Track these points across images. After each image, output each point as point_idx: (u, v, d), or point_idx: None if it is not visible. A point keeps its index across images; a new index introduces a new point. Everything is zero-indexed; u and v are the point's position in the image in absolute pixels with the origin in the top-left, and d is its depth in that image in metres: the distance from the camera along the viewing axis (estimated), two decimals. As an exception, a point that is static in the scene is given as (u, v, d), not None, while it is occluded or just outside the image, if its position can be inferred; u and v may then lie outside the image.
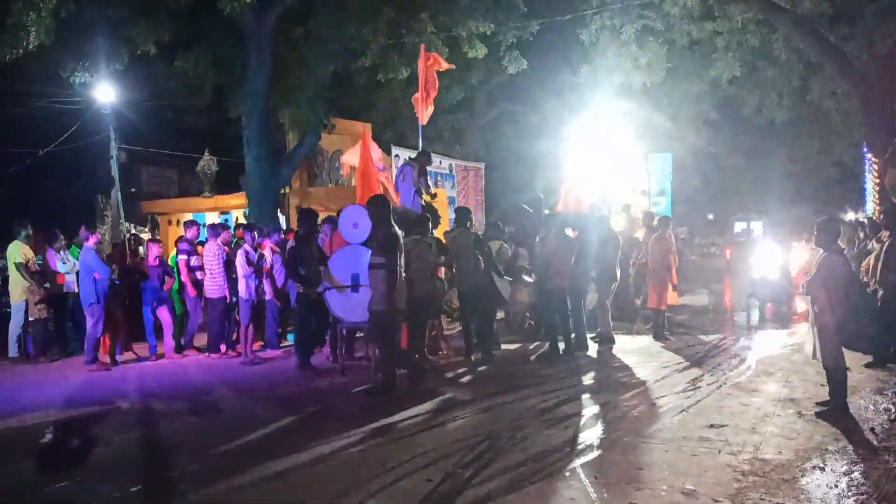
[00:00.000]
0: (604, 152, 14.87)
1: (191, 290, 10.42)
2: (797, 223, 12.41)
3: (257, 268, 9.91)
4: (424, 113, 11.21)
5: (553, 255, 9.51)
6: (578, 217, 10.36)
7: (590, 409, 6.70)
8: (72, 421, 7.00)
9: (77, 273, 10.08)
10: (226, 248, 10.38)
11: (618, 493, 4.57)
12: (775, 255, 12.29)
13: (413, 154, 11.72)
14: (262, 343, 10.67)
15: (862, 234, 10.69)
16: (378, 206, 7.68)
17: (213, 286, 10.07)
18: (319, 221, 9.92)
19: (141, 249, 12.47)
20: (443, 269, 10.14)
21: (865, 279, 8.84)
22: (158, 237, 15.98)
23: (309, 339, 9.37)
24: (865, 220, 12.24)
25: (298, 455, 5.47)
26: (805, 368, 8.01)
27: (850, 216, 20.21)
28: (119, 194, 14.80)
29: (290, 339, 11.14)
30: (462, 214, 9.94)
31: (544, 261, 9.62)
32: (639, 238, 12.33)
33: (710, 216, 24.20)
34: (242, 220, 15.03)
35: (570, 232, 10.15)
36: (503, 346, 10.13)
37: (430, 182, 10.84)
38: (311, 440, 5.83)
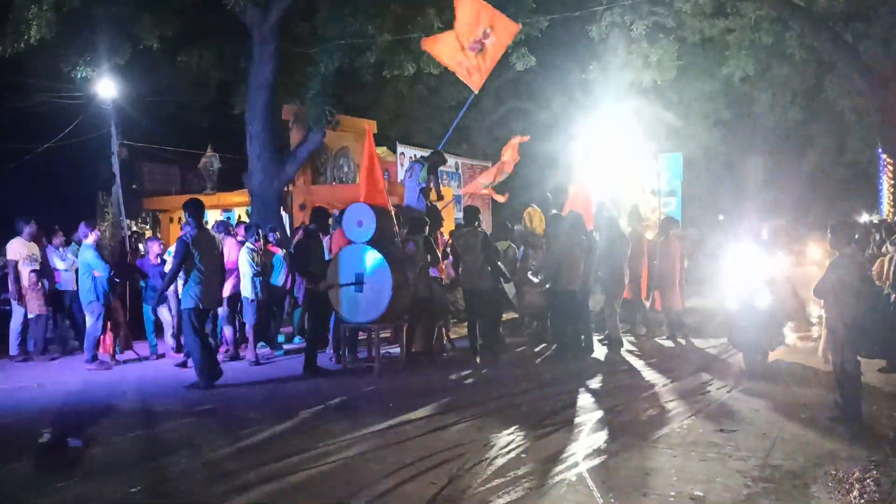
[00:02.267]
0: (613, 151, 14.84)
1: None
2: (808, 226, 12.14)
3: (262, 267, 9.92)
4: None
5: (565, 255, 9.49)
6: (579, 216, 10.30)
7: (596, 412, 6.69)
8: (71, 420, 7.02)
9: (76, 270, 10.11)
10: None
11: (625, 499, 4.56)
12: (761, 271, 9.03)
13: (425, 153, 11.73)
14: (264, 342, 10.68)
15: (878, 237, 10.64)
16: (187, 208, 8.31)
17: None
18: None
19: (141, 247, 12.50)
20: (444, 269, 10.15)
21: (879, 283, 8.80)
22: (159, 234, 16.05)
23: (320, 339, 9.40)
24: (879, 222, 12.19)
25: (299, 457, 5.47)
26: (818, 373, 7.99)
27: (864, 218, 20.12)
28: (120, 191, 14.84)
29: (281, 339, 11.09)
30: (470, 214, 9.95)
31: (556, 261, 9.60)
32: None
33: (721, 217, 24.11)
34: (245, 219, 15.07)
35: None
36: (509, 348, 10.12)
37: (440, 182, 10.82)
38: (311, 442, 5.84)
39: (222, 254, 8.73)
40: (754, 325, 8.16)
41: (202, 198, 16.59)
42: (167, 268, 9.47)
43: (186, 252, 7.94)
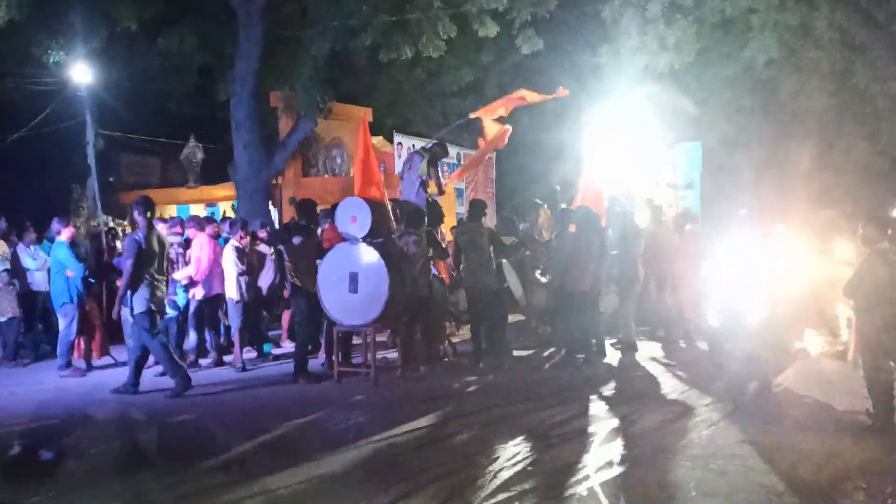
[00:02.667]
0: (626, 141, 14.83)
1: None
2: (835, 220, 12.03)
3: (249, 266, 9.91)
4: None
5: (574, 253, 9.47)
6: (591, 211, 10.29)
7: (609, 422, 6.69)
8: (43, 430, 7.02)
9: (49, 270, 10.10)
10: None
11: (640, 514, 4.57)
12: (756, 275, 7.92)
13: (426, 143, 11.68)
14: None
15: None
16: (137, 206, 8.41)
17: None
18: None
19: (119, 244, 12.49)
20: (443, 266, 10.13)
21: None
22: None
23: (311, 343, 9.42)
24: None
25: (290, 471, 5.46)
26: (847, 379, 7.97)
27: (898, 212, 20.08)
28: (96, 184, 14.82)
29: (267, 348, 11.06)
30: (476, 207, 9.91)
31: (564, 260, 9.59)
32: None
33: (743, 212, 24.11)
34: (231, 214, 15.07)
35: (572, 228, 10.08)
36: (515, 353, 10.11)
37: (440, 175, 10.80)
38: (303, 455, 5.84)
39: (170, 255, 8.86)
40: (743, 348, 7.57)
41: (184, 192, 16.80)
42: None
43: (140, 251, 8.06)
